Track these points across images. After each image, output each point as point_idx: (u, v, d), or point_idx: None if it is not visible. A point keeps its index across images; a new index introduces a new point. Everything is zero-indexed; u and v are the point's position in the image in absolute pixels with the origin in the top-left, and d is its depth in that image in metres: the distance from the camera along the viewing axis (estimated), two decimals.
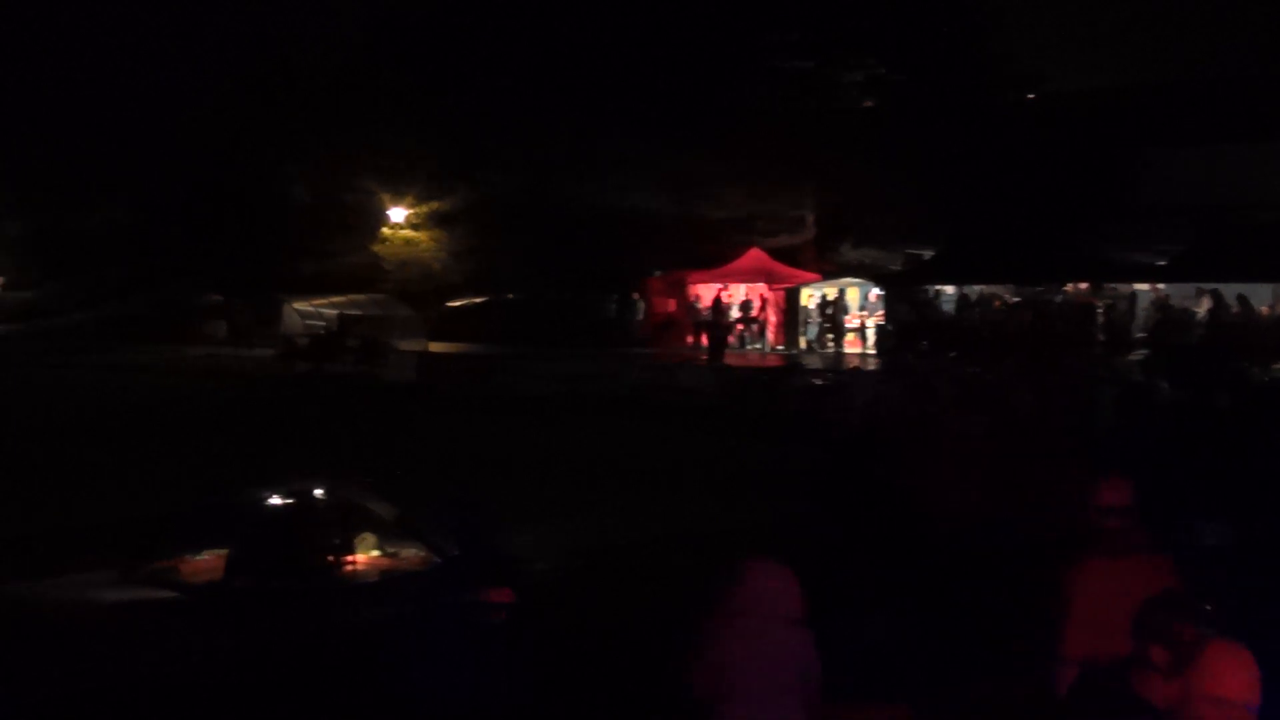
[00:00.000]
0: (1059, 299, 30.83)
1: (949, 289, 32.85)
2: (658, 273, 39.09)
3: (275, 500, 8.80)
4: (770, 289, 36.36)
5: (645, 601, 8.61)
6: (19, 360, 32.06)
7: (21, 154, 45.11)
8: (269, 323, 37.92)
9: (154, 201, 45.21)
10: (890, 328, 32.15)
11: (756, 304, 36.36)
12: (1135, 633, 4.63)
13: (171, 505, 11.44)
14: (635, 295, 39.31)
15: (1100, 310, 30.05)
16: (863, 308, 35.32)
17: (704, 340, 34.36)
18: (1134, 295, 30.37)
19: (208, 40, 43.90)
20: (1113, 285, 30.38)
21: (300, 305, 38.56)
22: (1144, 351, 26.12)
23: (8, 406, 22.02)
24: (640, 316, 39.16)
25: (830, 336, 34.63)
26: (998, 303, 31.72)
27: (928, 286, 33.09)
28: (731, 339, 35.31)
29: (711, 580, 5.29)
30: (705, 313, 35.63)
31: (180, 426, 19.74)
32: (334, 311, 37.30)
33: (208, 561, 8.61)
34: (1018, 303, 31.12)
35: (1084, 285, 30.69)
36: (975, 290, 32.33)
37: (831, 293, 35.33)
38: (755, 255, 37.51)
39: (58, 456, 15.82)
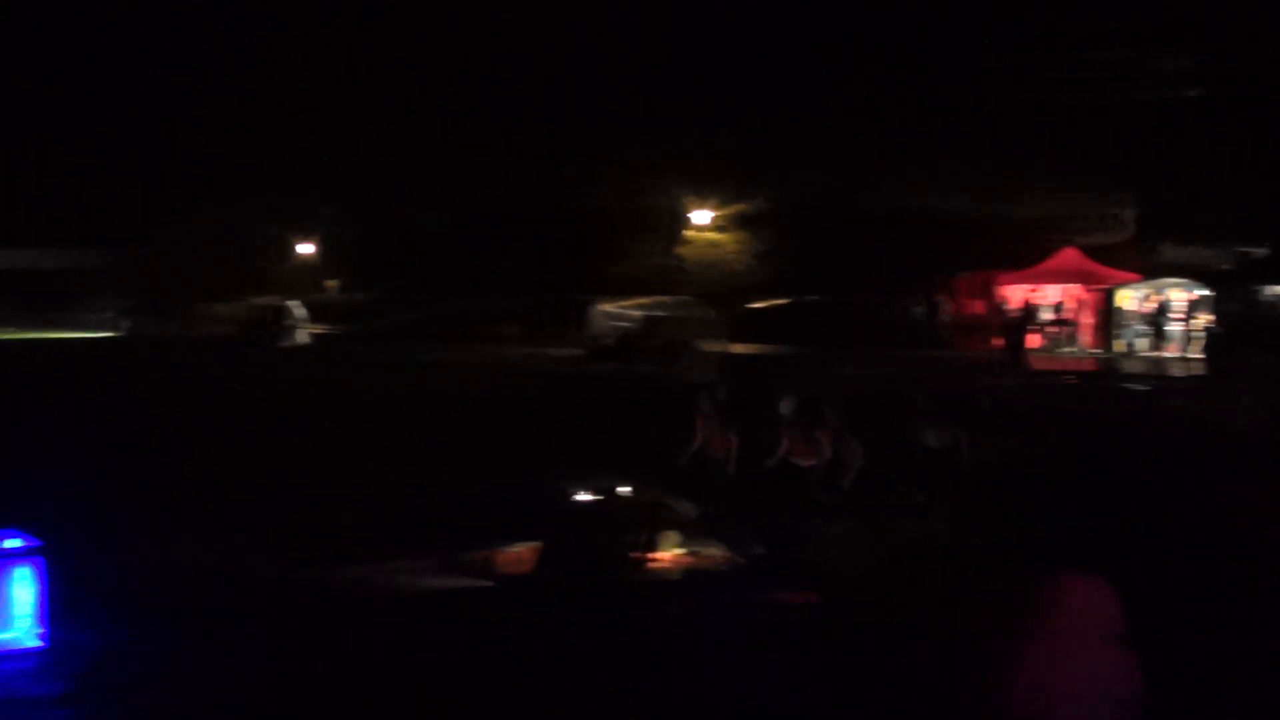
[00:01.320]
0: None
1: None
2: (964, 273, 38.09)
3: (584, 496, 9.11)
4: (1086, 289, 34.82)
5: (950, 612, 8.40)
6: (344, 359, 34.21)
7: (354, 166, 48.29)
8: (571, 324, 39.07)
9: (470, 207, 47.51)
10: (1220, 331, 30.25)
11: (1069, 305, 34.88)
12: None
13: (487, 499, 11.99)
14: (941, 296, 38.42)
15: None
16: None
17: (1000, 343, 32.98)
18: None
19: (520, 50, 45.65)
20: None
21: (606, 306, 39.61)
22: None
23: (336, 402, 23.41)
24: (945, 318, 38.24)
25: (1174, 341, 32.46)
26: None
27: (1260, 286, 31.05)
28: (1043, 341, 33.96)
29: (1026, 595, 5.14)
30: (1010, 314, 34.36)
31: (494, 423, 20.49)
32: (639, 313, 38.14)
33: (520, 553, 8.97)
34: None
35: None
36: None
37: (1177, 295, 33.11)
38: (1070, 254, 35.97)
39: (381, 449, 16.72)
